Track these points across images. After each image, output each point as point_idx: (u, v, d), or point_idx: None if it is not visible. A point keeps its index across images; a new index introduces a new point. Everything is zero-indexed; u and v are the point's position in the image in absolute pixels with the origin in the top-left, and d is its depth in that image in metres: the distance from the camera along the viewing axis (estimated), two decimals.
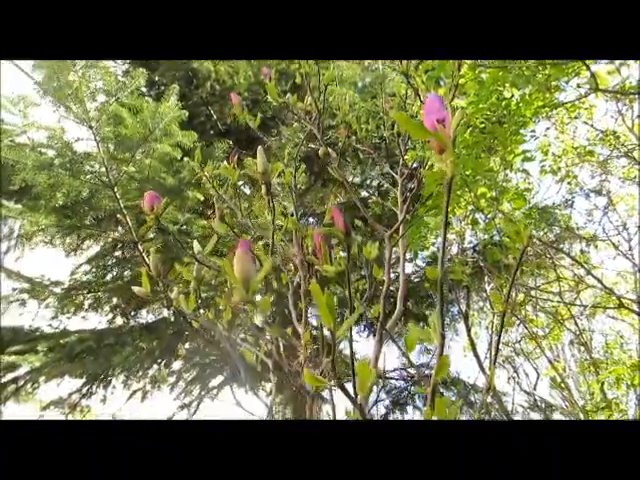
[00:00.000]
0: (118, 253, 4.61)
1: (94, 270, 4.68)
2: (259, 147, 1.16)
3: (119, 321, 4.88)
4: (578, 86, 3.24)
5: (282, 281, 1.58)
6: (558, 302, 4.83)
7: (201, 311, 1.50)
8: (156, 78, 5.73)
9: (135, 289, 1.24)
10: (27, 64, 4.19)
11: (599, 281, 3.93)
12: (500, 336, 0.90)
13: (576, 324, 4.92)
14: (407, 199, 1.69)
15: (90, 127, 3.21)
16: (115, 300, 4.83)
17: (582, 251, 5.08)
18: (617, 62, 3.39)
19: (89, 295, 4.72)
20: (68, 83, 3.12)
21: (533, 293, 5.29)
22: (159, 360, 4.70)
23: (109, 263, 4.80)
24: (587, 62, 2.72)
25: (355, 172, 5.56)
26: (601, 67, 3.42)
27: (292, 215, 1.70)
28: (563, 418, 5.46)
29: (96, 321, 4.91)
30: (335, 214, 0.89)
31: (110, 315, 4.91)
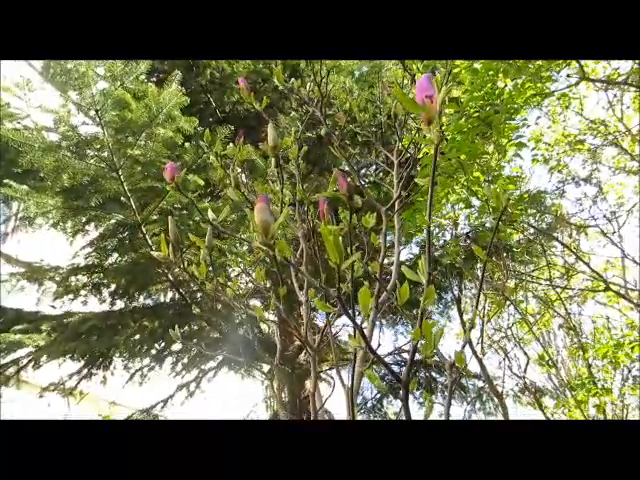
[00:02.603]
0: (120, 236, 4.69)
1: (96, 253, 4.77)
2: (269, 123, 1.27)
3: (120, 304, 4.98)
4: (568, 76, 3.36)
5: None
6: (548, 286, 4.98)
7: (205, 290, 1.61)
8: (156, 65, 5.79)
9: (154, 254, 1.35)
10: None
11: (587, 265, 4.07)
12: (482, 281, 1.02)
13: (565, 308, 5.08)
14: (403, 178, 1.81)
15: (96, 111, 3.30)
16: (115, 284, 4.93)
17: (571, 236, 5.23)
18: None
19: (91, 278, 4.82)
20: (74, 67, 3.21)
21: (523, 281, 5.44)
22: (161, 341, 4.83)
23: (110, 247, 4.89)
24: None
25: (354, 152, 5.66)
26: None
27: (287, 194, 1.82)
28: (551, 400, 5.64)
29: (97, 304, 5.00)
30: (339, 178, 1.01)
31: (110, 299, 5.00)
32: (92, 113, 3.37)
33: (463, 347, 0.94)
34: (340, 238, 0.70)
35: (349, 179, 1.07)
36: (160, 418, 5.66)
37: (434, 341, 0.72)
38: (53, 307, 4.90)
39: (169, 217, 1.29)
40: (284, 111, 6.09)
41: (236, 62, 5.84)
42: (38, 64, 4.04)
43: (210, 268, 1.55)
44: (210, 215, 1.37)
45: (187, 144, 4.02)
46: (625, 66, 4.56)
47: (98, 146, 3.53)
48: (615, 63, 4.19)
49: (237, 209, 4.21)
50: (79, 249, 4.72)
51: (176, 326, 1.57)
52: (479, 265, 5.50)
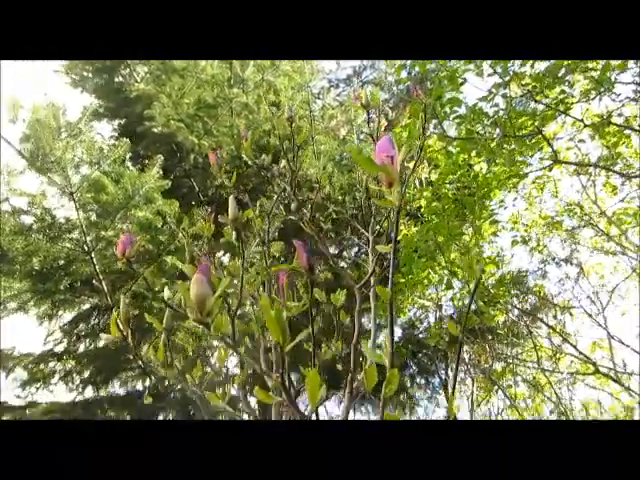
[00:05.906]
0: (92, 321, 4.52)
1: (66, 339, 4.56)
2: (230, 196, 1.22)
3: (89, 393, 4.69)
4: (541, 159, 3.46)
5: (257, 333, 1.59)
6: (535, 369, 4.82)
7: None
8: (140, 151, 5.89)
9: (103, 336, 1.23)
10: (15, 136, 4.30)
11: (574, 347, 3.96)
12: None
13: (555, 393, 4.89)
14: (378, 253, 1.75)
15: (71, 194, 3.27)
16: (87, 372, 4.67)
17: (555, 317, 5.16)
18: (576, 139, 3.67)
19: (62, 365, 4.57)
20: (52, 151, 3.21)
21: (510, 364, 5.28)
22: None
23: (83, 333, 4.68)
24: (547, 136, 2.94)
25: (327, 228, 5.67)
26: (561, 143, 3.69)
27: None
28: None
29: (65, 393, 4.71)
30: (299, 250, 0.93)
31: (80, 387, 4.72)
32: (68, 195, 3.33)
33: None
34: (285, 316, 0.62)
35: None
36: None
37: None
38: (19, 397, 4.61)
39: (121, 295, 1.18)
40: (267, 195, 6.17)
41: (220, 148, 5.97)
42: (23, 147, 4.07)
43: (168, 352, 1.42)
44: (166, 294, 1.27)
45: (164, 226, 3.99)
46: (594, 153, 4.75)
47: (72, 228, 3.46)
48: (584, 148, 4.36)
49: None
50: (49, 334, 4.51)
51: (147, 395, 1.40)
52: (466, 348, 5.36)
